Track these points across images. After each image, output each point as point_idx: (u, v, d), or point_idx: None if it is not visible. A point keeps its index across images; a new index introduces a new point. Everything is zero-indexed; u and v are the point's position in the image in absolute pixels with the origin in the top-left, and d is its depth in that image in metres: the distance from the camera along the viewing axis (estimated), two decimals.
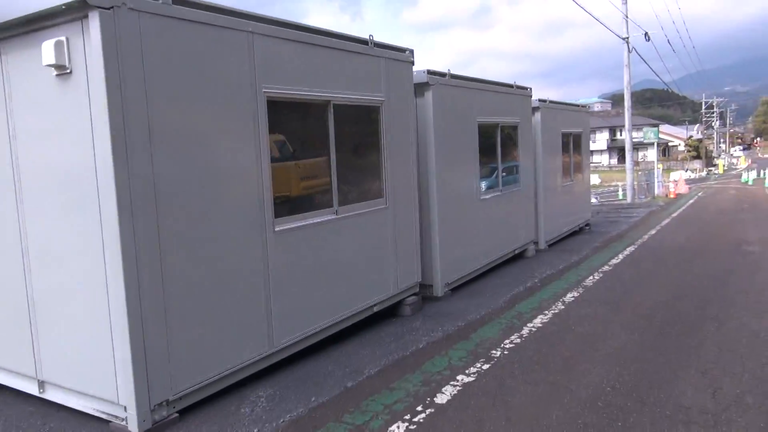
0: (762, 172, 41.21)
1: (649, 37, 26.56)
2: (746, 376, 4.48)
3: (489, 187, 9.35)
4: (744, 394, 4.13)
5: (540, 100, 11.21)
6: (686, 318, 6.19)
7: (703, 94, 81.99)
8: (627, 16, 25.65)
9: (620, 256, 10.30)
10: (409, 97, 7.07)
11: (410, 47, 7.07)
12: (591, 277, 8.57)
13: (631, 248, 11.20)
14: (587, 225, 14.29)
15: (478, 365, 4.99)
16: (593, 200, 20.69)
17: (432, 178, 7.51)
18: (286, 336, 5.03)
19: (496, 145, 9.41)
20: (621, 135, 78.38)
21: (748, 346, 5.23)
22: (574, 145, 13.07)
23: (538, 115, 11.13)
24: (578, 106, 13.56)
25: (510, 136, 10.03)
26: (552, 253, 11.06)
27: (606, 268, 9.27)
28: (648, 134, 26.82)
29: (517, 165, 10.31)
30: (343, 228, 5.80)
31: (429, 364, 5.07)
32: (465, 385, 4.55)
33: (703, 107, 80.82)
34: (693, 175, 53.69)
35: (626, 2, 25.77)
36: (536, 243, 11.21)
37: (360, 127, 6.53)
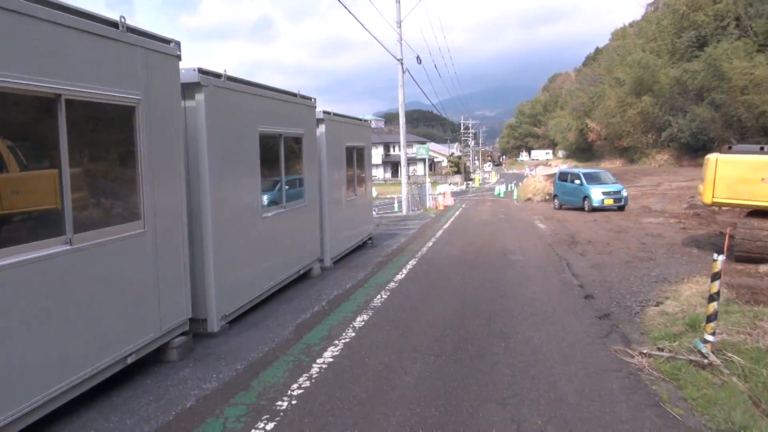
0: (509, 186, 47.30)
1: (420, 60, 28.48)
2: (542, 402, 4.35)
3: (272, 203, 8.54)
4: (546, 425, 3.95)
5: (324, 112, 10.77)
6: (475, 337, 6.10)
7: (461, 117, 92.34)
8: (401, 39, 27.14)
9: (404, 271, 10.29)
10: (175, 99, 5.91)
11: (176, 39, 5.94)
12: (379, 296, 8.26)
13: (412, 262, 11.34)
14: (370, 239, 14.32)
15: (261, 425, 4.11)
16: (373, 213, 21.14)
17: (205, 194, 6.42)
18: None
19: (279, 158, 8.64)
20: (394, 151, 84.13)
21: (536, 364, 5.23)
22: (357, 159, 12.95)
23: (322, 127, 10.66)
24: (361, 120, 13.55)
25: (294, 148, 9.35)
26: (338, 270, 10.65)
27: (392, 284, 9.10)
28: (420, 151, 28.71)
29: (301, 178, 9.67)
30: (81, 262, 4.44)
31: None
32: None
33: (462, 128, 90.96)
34: (455, 189, 59.64)
35: (401, 26, 27.29)
36: (321, 261, 10.70)
37: (107, 132, 5.20)
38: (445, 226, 18.80)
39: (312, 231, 10.00)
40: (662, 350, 5.60)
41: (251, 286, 7.51)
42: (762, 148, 11.47)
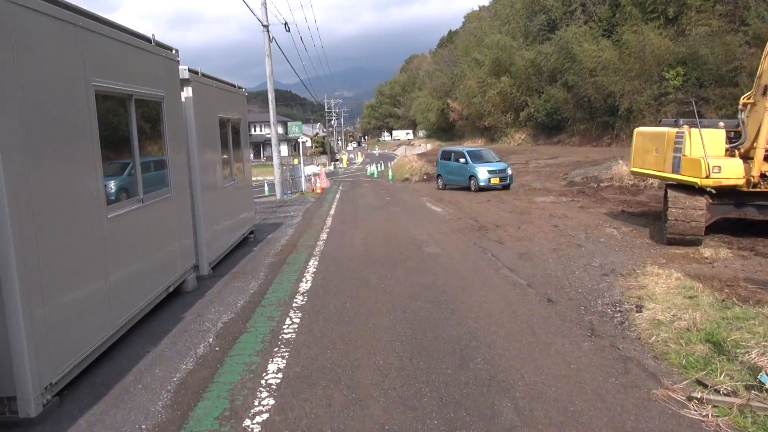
0: (380, 165, 45.97)
1: (288, 28, 25.74)
2: None
3: (120, 194, 5.84)
4: None
5: (191, 71, 8.04)
6: (462, 393, 4.08)
7: (325, 96, 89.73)
8: (266, 3, 24.17)
9: (307, 277, 8.03)
10: None
11: None
12: (289, 320, 5.97)
13: (313, 262, 9.09)
14: (252, 233, 11.78)
15: None
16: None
17: None
18: None
19: (130, 129, 5.91)
20: (256, 131, 79.57)
21: None
22: (233, 133, 10.30)
23: (189, 91, 7.95)
24: (235, 86, 10.84)
25: (151, 116, 6.62)
26: (220, 280, 8.10)
27: (300, 300, 6.82)
28: (293, 128, 26.13)
29: (164, 160, 6.96)
30: None
31: None
32: None
33: (326, 107, 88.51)
34: (324, 169, 57.46)
35: None
36: (197, 267, 8.09)
37: None
38: (332, 212, 16.65)
39: (182, 230, 7.35)
40: (718, 392, 4.04)
41: (95, 325, 4.85)
42: (676, 122, 10.94)
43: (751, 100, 9.18)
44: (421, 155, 43.87)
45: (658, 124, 11.96)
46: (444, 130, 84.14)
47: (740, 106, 9.60)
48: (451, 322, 5.72)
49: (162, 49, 6.91)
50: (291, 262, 9.18)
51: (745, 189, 9.46)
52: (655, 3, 40.00)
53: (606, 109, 43.23)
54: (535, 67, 53.27)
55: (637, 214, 13.39)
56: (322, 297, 6.89)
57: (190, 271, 7.58)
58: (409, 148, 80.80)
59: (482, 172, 21.04)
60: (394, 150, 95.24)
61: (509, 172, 21.59)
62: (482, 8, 79.84)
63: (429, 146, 78.28)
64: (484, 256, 9.27)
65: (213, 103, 9.05)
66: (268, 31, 24.22)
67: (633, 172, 12.40)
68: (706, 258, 8.48)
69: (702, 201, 9.40)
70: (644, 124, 40.23)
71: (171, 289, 6.83)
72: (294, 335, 5.47)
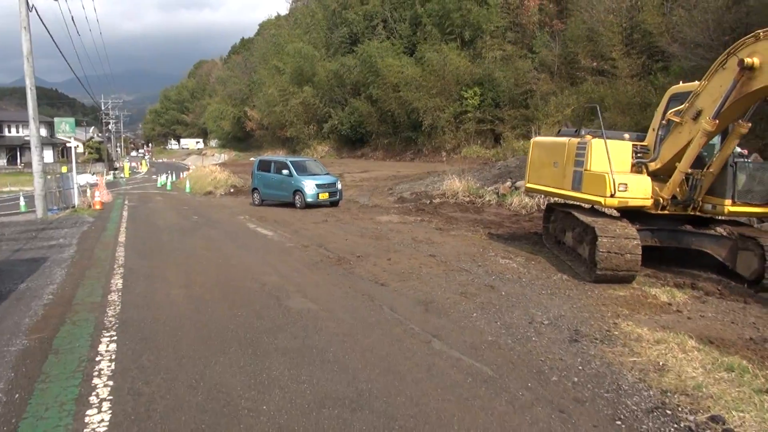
0: (171, 176, 39.84)
1: None
2: None
3: None
4: None
5: None
6: None
7: (102, 95, 77.90)
8: None
9: (100, 390, 4.20)
10: None
11: None
12: None
13: (108, 344, 5.18)
14: None
15: None
16: None
17: None
18: None
19: None
20: (10, 131, 65.68)
21: None
22: None
23: None
24: None
25: None
26: None
27: None
28: (61, 126, 20.13)
29: None
30: None
31: None
32: None
33: (103, 108, 76.85)
34: (103, 180, 48.87)
35: None
36: None
37: None
38: (122, 239, 12.14)
39: None
40: None
41: None
42: (576, 132, 9.34)
43: (678, 119, 7.76)
44: (221, 166, 39.15)
45: (557, 134, 10.31)
46: (240, 139, 79.00)
47: (663, 122, 8.17)
48: None
49: None
50: (63, 346, 5.12)
51: (652, 211, 8.18)
52: (452, 25, 41.31)
53: (409, 125, 43.46)
54: (338, 79, 51.98)
55: (506, 237, 11.65)
56: None
57: None
58: (201, 158, 74.11)
59: (309, 187, 18.06)
60: (184, 159, 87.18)
61: (339, 186, 18.99)
62: (280, 17, 77.05)
63: (225, 156, 72.65)
64: (381, 313, 6.32)
65: None
66: None
67: (528, 189, 10.63)
68: (670, 304, 6.62)
69: (634, 229, 7.70)
70: (445, 141, 41.66)
71: None
72: None
